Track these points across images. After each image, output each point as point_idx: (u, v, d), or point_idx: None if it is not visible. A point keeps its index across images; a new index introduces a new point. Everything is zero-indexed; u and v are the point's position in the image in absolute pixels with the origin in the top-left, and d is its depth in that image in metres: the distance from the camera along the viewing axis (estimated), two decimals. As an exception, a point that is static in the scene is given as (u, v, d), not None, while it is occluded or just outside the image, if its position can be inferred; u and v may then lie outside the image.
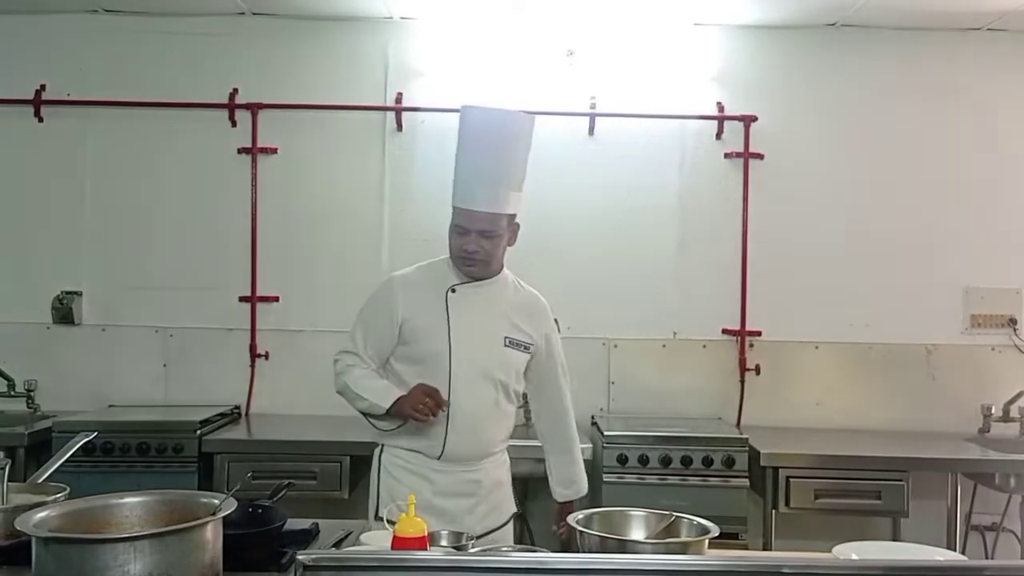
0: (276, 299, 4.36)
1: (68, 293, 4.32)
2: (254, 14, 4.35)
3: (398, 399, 2.58)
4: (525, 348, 2.73)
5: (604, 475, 3.76)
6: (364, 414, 2.69)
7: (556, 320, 2.88)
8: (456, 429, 2.61)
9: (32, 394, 4.14)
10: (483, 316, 2.68)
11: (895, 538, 4.03)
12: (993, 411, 4.19)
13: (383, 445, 2.74)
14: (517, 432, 4.08)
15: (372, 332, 2.69)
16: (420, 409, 2.52)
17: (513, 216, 2.67)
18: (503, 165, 2.62)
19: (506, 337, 2.69)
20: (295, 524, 2.20)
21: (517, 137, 2.67)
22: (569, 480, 2.85)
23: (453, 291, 2.67)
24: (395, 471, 2.68)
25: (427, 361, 2.63)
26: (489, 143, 2.61)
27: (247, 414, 4.32)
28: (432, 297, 2.66)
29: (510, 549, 1.97)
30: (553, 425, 2.90)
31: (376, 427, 2.70)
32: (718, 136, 4.35)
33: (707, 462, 3.73)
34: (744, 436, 3.85)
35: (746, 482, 3.75)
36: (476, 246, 2.60)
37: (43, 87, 4.33)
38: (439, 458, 2.64)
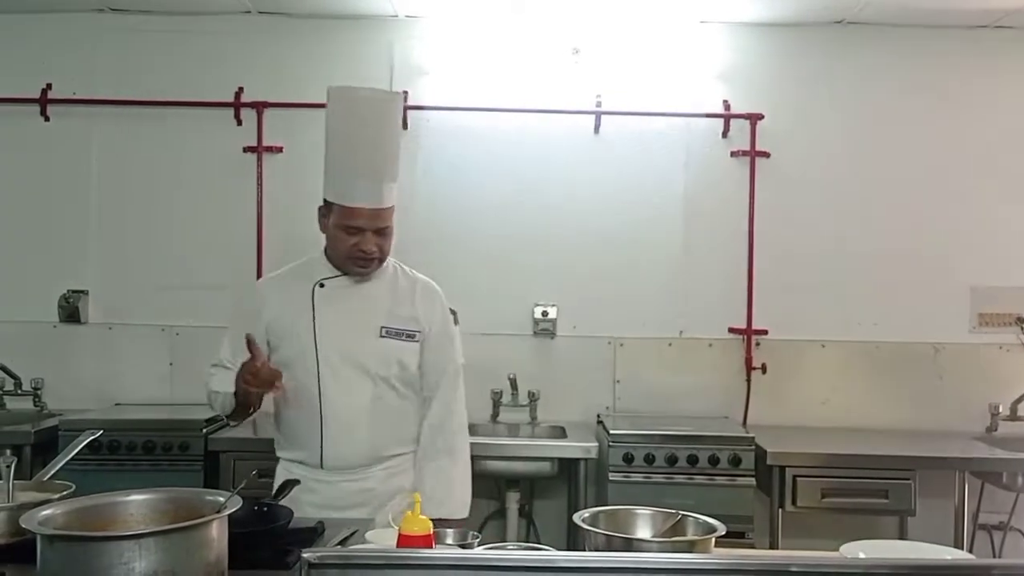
0: (282, 298, 4.36)
1: (74, 292, 4.32)
2: (260, 13, 4.35)
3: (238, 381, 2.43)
4: (409, 336, 2.55)
5: (610, 474, 3.75)
6: (228, 418, 2.60)
7: (453, 312, 2.71)
8: (331, 434, 2.48)
9: (38, 392, 4.16)
10: (354, 308, 2.53)
11: (902, 537, 4.01)
12: (1000, 410, 4.18)
13: (280, 458, 2.65)
14: (521, 431, 4.15)
15: (238, 340, 2.46)
16: (247, 378, 2.37)
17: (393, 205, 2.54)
18: (387, 152, 2.50)
19: (382, 327, 2.52)
20: (300, 522, 2.19)
21: (396, 121, 2.58)
22: (431, 494, 2.40)
23: (321, 285, 2.55)
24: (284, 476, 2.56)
25: (294, 362, 2.50)
26: (369, 129, 2.47)
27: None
28: (298, 295, 2.54)
29: (515, 547, 1.96)
30: (429, 428, 2.61)
31: (231, 423, 2.67)
32: (724, 134, 4.34)
33: (713, 461, 3.73)
34: (750, 435, 3.83)
35: (752, 481, 3.74)
36: (374, 245, 2.48)
37: (49, 86, 4.33)
38: (321, 466, 2.50)
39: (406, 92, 4.32)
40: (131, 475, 3.66)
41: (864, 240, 4.32)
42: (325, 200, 2.55)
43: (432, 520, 1.84)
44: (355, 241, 2.47)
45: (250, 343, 2.36)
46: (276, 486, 2.44)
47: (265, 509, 2.15)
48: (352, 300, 2.54)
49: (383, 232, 2.49)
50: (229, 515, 1.72)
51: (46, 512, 1.71)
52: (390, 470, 2.55)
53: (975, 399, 4.24)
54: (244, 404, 2.50)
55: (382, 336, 2.52)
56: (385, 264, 2.59)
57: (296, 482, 2.28)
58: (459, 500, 2.55)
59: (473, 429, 3.70)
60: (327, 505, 2.43)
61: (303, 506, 2.37)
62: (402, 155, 4.28)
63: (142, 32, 4.35)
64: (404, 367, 2.55)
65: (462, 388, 2.68)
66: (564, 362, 4.31)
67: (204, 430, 3.78)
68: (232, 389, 2.45)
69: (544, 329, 4.28)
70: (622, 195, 4.34)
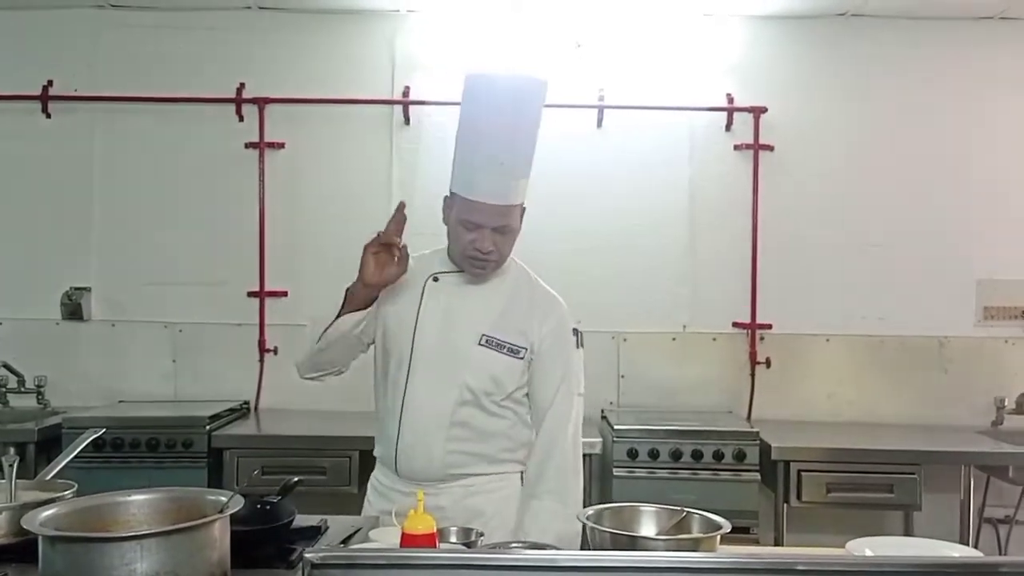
0: (284, 294, 4.36)
1: (77, 289, 4.32)
2: (260, 8, 4.33)
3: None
4: (512, 351, 2.32)
5: (614, 469, 3.75)
6: (322, 352, 2.34)
7: (577, 332, 2.44)
8: (404, 438, 2.31)
9: (42, 390, 4.16)
10: (461, 308, 2.34)
11: (907, 532, 4.01)
12: (1006, 403, 4.16)
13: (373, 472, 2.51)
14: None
15: None
16: (373, 246, 2.21)
17: (522, 203, 2.35)
18: (519, 147, 2.27)
19: (483, 335, 2.31)
20: (304, 520, 2.18)
21: (533, 111, 2.28)
22: (527, 531, 2.21)
23: (435, 279, 2.38)
24: (370, 488, 2.48)
25: (393, 357, 2.36)
26: (503, 121, 2.22)
27: (256, 409, 4.32)
28: (412, 285, 2.36)
29: (520, 546, 1.95)
30: (534, 465, 2.36)
31: (336, 336, 2.30)
32: (728, 128, 4.32)
33: (718, 456, 3.72)
34: (755, 430, 3.83)
35: (757, 476, 3.73)
36: (491, 244, 2.28)
37: (50, 83, 4.33)
38: (397, 472, 2.35)
39: (407, 87, 4.31)
40: (135, 472, 3.65)
41: (868, 233, 4.30)
42: (450, 189, 2.36)
43: None
44: (472, 237, 2.27)
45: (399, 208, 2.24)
46: (366, 503, 2.42)
47: (268, 507, 2.14)
48: (461, 300, 2.35)
49: (504, 231, 2.28)
50: (231, 514, 1.71)
51: (48, 513, 1.71)
52: (470, 489, 2.32)
53: (981, 393, 4.23)
54: (354, 296, 2.28)
55: (480, 344, 2.31)
56: (507, 266, 2.39)
57: (299, 481, 2.26)
58: (567, 542, 2.16)
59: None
60: (400, 516, 2.18)
61: (377, 514, 2.29)
62: (402, 150, 4.37)
63: (143, 28, 4.35)
64: (498, 384, 2.32)
65: (577, 421, 2.39)
66: (568, 357, 4.30)
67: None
68: (342, 301, 2.29)
69: (547, 324, 4.26)
70: (625, 189, 4.32)
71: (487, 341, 2.31)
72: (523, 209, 2.36)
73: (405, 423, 2.31)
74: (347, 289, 2.29)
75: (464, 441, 2.31)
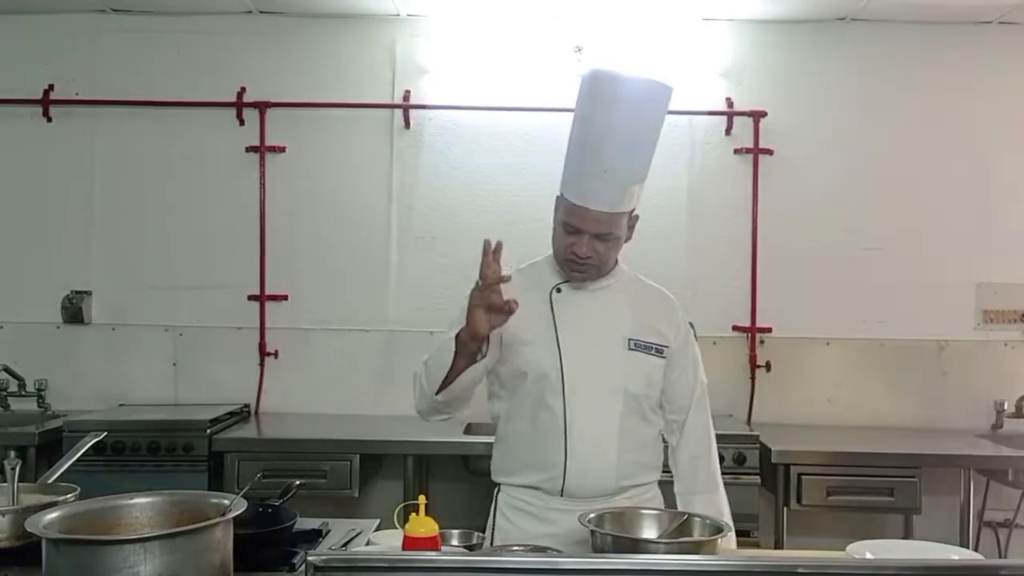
0: (285, 297, 4.36)
1: (78, 293, 4.32)
2: (261, 12, 4.34)
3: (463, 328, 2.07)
4: (658, 351, 2.28)
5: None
6: (440, 392, 2.14)
7: (692, 324, 2.46)
8: (577, 456, 2.18)
9: (42, 394, 4.15)
10: (598, 316, 2.27)
11: (907, 535, 4.01)
12: (1006, 407, 4.16)
13: (500, 485, 2.34)
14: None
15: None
16: (483, 295, 2.03)
17: (633, 210, 2.28)
18: (636, 154, 2.18)
19: (630, 339, 2.26)
20: (305, 523, 2.19)
21: (656, 117, 2.20)
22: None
23: (558, 291, 2.27)
24: (511, 513, 2.28)
25: (534, 375, 2.20)
26: (622, 125, 2.13)
27: (257, 413, 4.32)
28: (534, 300, 2.22)
29: (522, 549, 1.95)
30: (691, 459, 2.36)
31: (441, 404, 2.18)
32: (727, 132, 4.33)
33: (718, 459, 3.71)
34: (755, 433, 3.83)
35: (757, 479, 3.73)
36: (589, 250, 2.19)
37: (51, 87, 4.33)
38: (561, 494, 2.20)
39: (408, 91, 4.32)
40: (135, 476, 3.64)
41: (868, 237, 4.31)
42: (560, 191, 2.26)
43: None
44: (571, 241, 2.19)
45: (495, 249, 2.06)
46: (491, 523, 2.29)
47: (269, 511, 2.15)
48: (594, 307, 2.27)
49: (607, 238, 2.20)
50: (234, 517, 1.71)
51: (51, 515, 1.71)
52: (634, 500, 2.26)
53: (980, 396, 4.22)
54: (462, 354, 2.10)
55: (631, 349, 2.26)
56: (620, 269, 2.36)
57: (301, 484, 2.25)
58: (730, 522, 2.19)
59: (480, 430, 3.72)
60: (565, 537, 2.08)
61: (534, 540, 2.12)
62: (403, 155, 4.38)
63: (144, 32, 4.35)
64: (652, 385, 2.29)
65: (710, 413, 2.42)
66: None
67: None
68: (454, 333, 2.10)
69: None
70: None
71: (635, 344, 2.26)
72: (635, 216, 2.30)
73: (573, 442, 2.18)
74: (457, 337, 2.10)
75: (631, 451, 2.25)
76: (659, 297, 2.40)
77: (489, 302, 2.05)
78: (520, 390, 2.24)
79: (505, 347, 2.23)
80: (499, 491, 2.33)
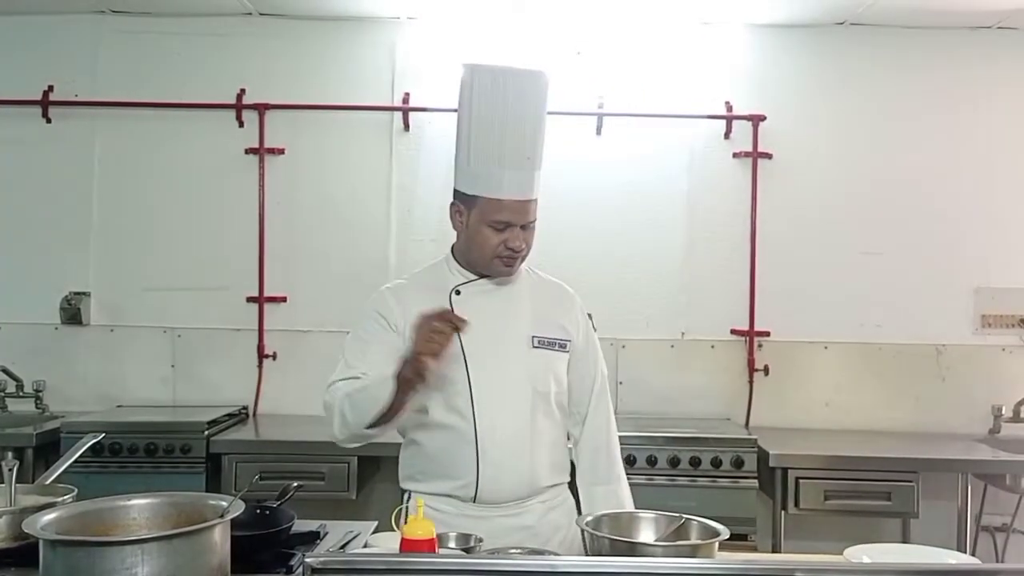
0: (284, 299, 4.36)
1: (76, 294, 4.32)
2: (261, 14, 4.34)
3: (402, 362, 2.02)
4: (561, 346, 2.28)
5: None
6: (371, 427, 2.10)
7: (590, 316, 2.43)
8: (489, 460, 2.15)
9: (40, 395, 4.15)
10: (500, 315, 2.24)
11: (905, 539, 4.01)
12: (1004, 411, 4.17)
13: (409, 492, 2.27)
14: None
15: (371, 346, 2.20)
16: (432, 338, 1.98)
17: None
18: (537, 138, 2.20)
19: (534, 336, 2.25)
20: (302, 526, 2.19)
21: (542, 101, 2.22)
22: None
23: (458, 293, 2.25)
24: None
25: (439, 381, 2.13)
26: (516, 110, 2.16)
27: (255, 414, 4.32)
28: (433, 302, 2.17)
29: (519, 552, 1.95)
30: (591, 451, 2.34)
31: (392, 428, 2.14)
32: (726, 136, 4.33)
33: (716, 463, 3.72)
34: (753, 437, 3.83)
35: (755, 483, 3.73)
36: (522, 242, 2.20)
37: (51, 88, 4.33)
38: (475, 500, 2.17)
39: (407, 93, 4.32)
40: (133, 477, 3.65)
41: (866, 241, 4.31)
42: (459, 193, 2.24)
43: None
44: (503, 238, 2.18)
45: (448, 314, 2.05)
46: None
47: (267, 513, 2.15)
48: (495, 307, 2.25)
49: (530, 227, 2.22)
50: (231, 519, 1.71)
51: (48, 517, 1.71)
52: (548, 503, 2.26)
53: (978, 401, 4.23)
54: (402, 392, 2.03)
55: (535, 347, 2.24)
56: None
57: (299, 486, 2.25)
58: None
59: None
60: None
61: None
62: (402, 157, 4.38)
63: (144, 34, 4.35)
64: (559, 382, 2.27)
65: (611, 403, 2.42)
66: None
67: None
68: (391, 371, 2.02)
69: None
70: (624, 197, 4.33)
71: (539, 342, 2.25)
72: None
73: (484, 447, 2.16)
74: (396, 375, 2.03)
75: (542, 451, 2.23)
76: (558, 291, 2.39)
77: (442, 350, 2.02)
78: (426, 396, 2.15)
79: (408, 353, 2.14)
80: (408, 498, 2.24)
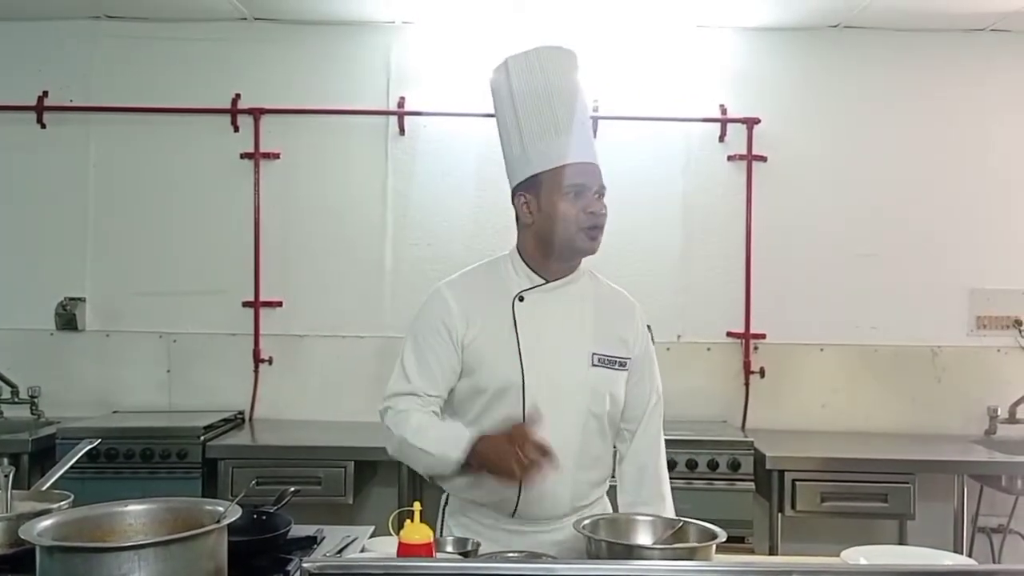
0: (279, 304, 4.36)
1: (71, 299, 4.31)
2: (256, 19, 4.34)
3: (477, 442, 1.97)
4: (621, 365, 2.16)
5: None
6: (428, 475, 2.10)
7: (649, 327, 2.32)
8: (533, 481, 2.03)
9: (36, 400, 4.15)
10: (561, 328, 2.14)
11: (901, 541, 4.01)
12: (999, 413, 4.18)
13: (448, 494, 2.26)
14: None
15: (430, 359, 2.12)
16: (522, 462, 1.87)
17: None
18: (582, 107, 2.18)
19: (594, 354, 2.13)
20: (299, 530, 2.18)
21: (576, 74, 2.23)
22: None
23: (521, 299, 2.13)
24: (457, 528, 2.20)
25: (493, 392, 2.08)
26: (555, 84, 2.15)
27: (251, 419, 4.32)
28: (495, 308, 2.11)
29: (516, 555, 1.95)
30: (637, 470, 2.25)
31: (445, 486, 2.16)
32: (721, 139, 4.34)
33: (712, 465, 3.72)
34: (749, 439, 3.83)
35: (752, 485, 3.74)
36: (601, 206, 2.09)
37: (46, 93, 4.33)
38: (513, 515, 2.12)
39: (402, 98, 4.32)
40: (129, 483, 3.65)
41: (862, 243, 4.32)
42: (522, 184, 2.15)
43: None
44: (581, 205, 2.07)
45: (532, 416, 1.96)
46: (439, 524, 2.19)
47: (264, 518, 2.14)
48: (557, 318, 2.14)
49: (603, 192, 2.12)
50: (228, 524, 1.71)
51: (45, 523, 1.71)
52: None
53: (974, 402, 4.24)
54: (467, 471, 2.00)
55: (594, 365, 2.13)
56: (581, 268, 2.22)
57: (296, 491, 2.25)
58: None
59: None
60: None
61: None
62: (397, 161, 4.38)
63: (139, 39, 4.35)
64: (615, 402, 2.16)
65: (662, 421, 2.30)
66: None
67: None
68: (461, 456, 1.97)
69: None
70: (619, 199, 4.23)
71: (600, 360, 2.14)
72: None
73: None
74: (478, 449, 1.97)
75: (586, 471, 2.16)
76: (620, 301, 2.29)
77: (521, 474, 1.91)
78: (477, 404, 2.12)
79: (468, 364, 2.12)
80: (447, 500, 2.25)
